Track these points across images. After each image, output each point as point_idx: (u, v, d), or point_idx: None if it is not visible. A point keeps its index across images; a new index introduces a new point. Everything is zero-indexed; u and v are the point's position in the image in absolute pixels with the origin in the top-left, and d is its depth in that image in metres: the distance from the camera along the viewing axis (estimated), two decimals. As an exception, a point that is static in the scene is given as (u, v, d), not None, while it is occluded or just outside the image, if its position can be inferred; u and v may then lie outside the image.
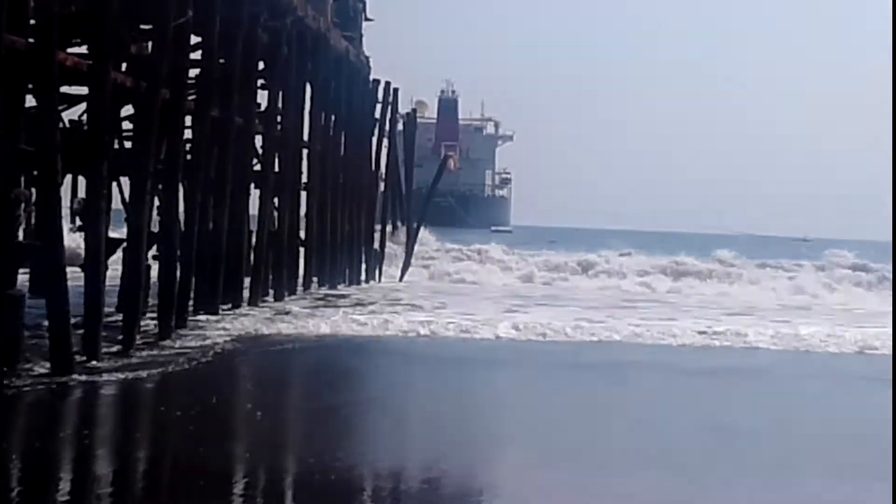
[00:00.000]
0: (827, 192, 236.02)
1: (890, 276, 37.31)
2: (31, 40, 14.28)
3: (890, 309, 29.13)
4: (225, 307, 21.86)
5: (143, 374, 15.01)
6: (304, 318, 22.19)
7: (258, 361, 17.83)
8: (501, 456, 11.97)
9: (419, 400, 15.55)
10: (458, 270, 39.07)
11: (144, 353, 16.57)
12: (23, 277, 15.58)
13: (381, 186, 38.18)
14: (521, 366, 18.95)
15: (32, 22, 14.52)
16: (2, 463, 10.44)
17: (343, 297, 28.79)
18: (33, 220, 19.09)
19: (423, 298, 29.24)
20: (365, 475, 10.62)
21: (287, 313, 22.96)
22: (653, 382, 17.51)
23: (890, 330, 23.09)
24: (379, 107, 35.53)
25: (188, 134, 20.67)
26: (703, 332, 22.75)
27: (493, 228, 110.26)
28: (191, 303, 20.27)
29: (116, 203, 21.31)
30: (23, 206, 15.75)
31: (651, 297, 34.50)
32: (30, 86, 14.65)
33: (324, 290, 29.39)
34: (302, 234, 28.19)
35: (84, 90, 17.70)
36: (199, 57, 20.79)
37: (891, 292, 35.65)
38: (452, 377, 17.40)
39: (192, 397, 14.17)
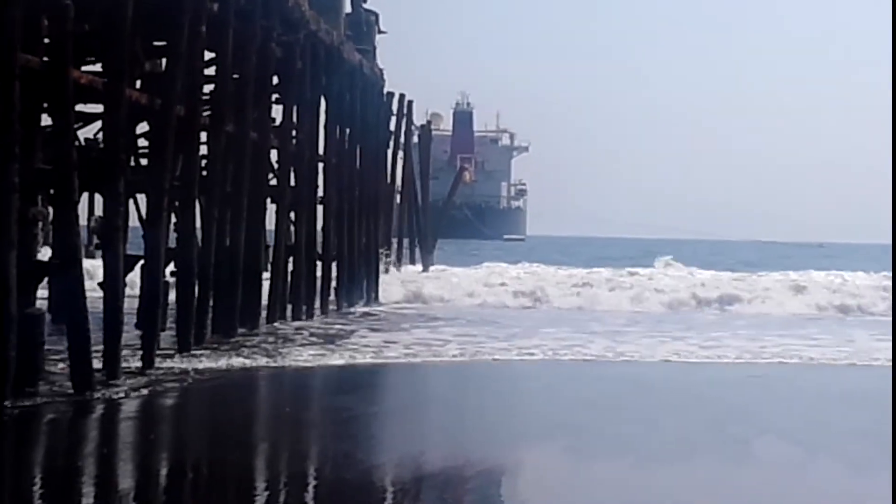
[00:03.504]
0: (843, 195, 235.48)
1: None
2: (45, 59, 14.33)
3: None
4: (242, 325, 21.81)
5: (163, 390, 15.02)
6: (322, 332, 22.08)
7: (275, 379, 17.78)
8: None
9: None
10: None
11: (163, 370, 16.57)
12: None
13: (398, 199, 38.17)
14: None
15: (46, 40, 14.58)
16: (22, 479, 10.44)
17: (368, 315, 28.27)
18: (51, 238, 19.13)
19: (452, 318, 28.39)
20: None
21: (304, 331, 22.86)
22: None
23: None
24: (394, 119, 35.54)
25: (203, 150, 20.72)
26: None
27: (506, 237, 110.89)
28: (209, 319, 20.25)
29: (133, 220, 21.38)
30: (40, 224, 15.76)
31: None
32: (45, 104, 14.70)
33: (342, 307, 28.86)
34: (318, 249, 28.06)
35: (99, 108, 17.72)
36: (213, 73, 20.83)
37: None
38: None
39: (212, 413, 14.16)
